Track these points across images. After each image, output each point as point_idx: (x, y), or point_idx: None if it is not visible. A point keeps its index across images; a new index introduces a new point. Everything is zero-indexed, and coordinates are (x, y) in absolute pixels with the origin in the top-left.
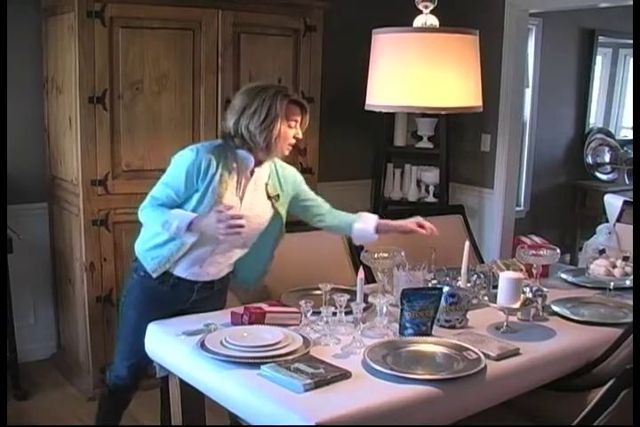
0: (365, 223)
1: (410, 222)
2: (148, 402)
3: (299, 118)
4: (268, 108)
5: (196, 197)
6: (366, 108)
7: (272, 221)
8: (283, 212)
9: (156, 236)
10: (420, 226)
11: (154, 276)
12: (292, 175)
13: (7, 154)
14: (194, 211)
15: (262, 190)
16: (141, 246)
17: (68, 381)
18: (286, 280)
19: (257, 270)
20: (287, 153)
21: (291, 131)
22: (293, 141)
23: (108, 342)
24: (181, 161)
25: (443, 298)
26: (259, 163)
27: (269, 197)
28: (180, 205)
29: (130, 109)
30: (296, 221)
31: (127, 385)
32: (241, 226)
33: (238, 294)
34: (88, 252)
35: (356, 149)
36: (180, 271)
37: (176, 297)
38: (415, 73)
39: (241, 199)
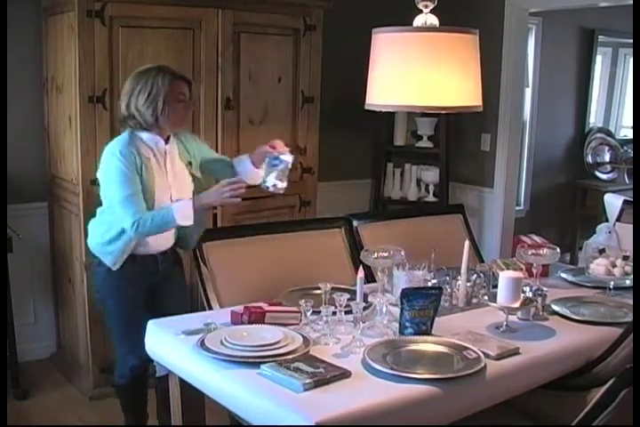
0: (243, 163)
1: (263, 146)
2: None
3: (186, 92)
4: (151, 85)
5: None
6: (366, 107)
7: (194, 185)
8: (198, 174)
9: (107, 231)
10: (272, 146)
11: (114, 269)
12: (189, 139)
13: (7, 154)
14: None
15: (179, 161)
16: (96, 243)
17: (68, 380)
18: (286, 280)
19: (197, 234)
20: (183, 125)
21: (180, 104)
22: (188, 113)
23: (108, 342)
24: (116, 170)
25: None
26: (166, 140)
27: (186, 166)
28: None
29: None
30: (296, 220)
31: (131, 385)
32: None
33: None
34: (88, 251)
35: (356, 148)
36: (136, 251)
37: (144, 271)
38: (415, 72)
39: (166, 175)
